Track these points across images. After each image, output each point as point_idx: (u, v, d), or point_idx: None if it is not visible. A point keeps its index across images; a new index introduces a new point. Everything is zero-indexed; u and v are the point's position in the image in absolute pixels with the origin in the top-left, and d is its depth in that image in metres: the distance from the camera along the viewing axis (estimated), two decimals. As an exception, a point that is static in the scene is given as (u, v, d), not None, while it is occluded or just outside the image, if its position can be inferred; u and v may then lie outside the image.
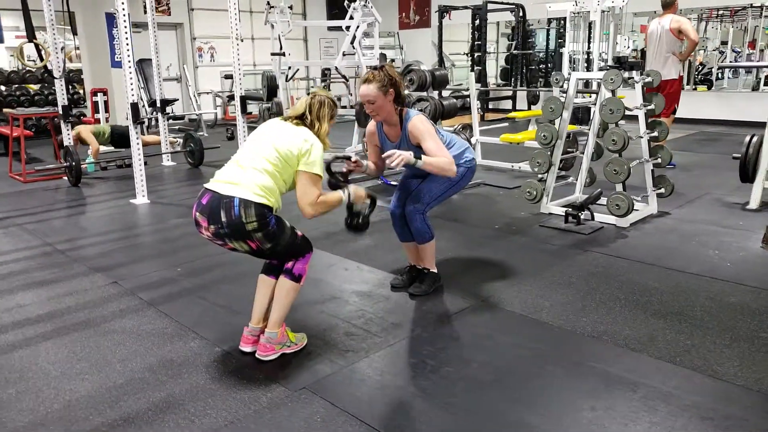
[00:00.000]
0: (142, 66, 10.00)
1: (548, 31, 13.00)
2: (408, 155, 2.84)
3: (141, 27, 10.14)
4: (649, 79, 4.48)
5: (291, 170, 2.50)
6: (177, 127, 10.46)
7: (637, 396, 2.31)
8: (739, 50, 12.75)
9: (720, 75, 12.16)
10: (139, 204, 5.62)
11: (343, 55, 7.46)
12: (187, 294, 3.44)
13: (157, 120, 8.26)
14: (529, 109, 10.94)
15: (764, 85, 11.82)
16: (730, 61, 12.44)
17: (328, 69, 11.90)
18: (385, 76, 2.96)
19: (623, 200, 4.32)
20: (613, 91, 4.36)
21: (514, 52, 12.06)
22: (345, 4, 7.91)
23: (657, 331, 2.83)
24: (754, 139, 4.80)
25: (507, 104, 12.64)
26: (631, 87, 4.54)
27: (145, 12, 7.33)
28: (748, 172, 4.80)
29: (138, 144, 5.57)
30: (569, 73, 5.07)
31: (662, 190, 4.76)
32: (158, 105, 7.71)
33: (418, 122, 3.01)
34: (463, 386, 2.41)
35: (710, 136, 9.26)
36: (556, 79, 4.71)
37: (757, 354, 2.60)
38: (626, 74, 4.42)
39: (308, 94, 2.73)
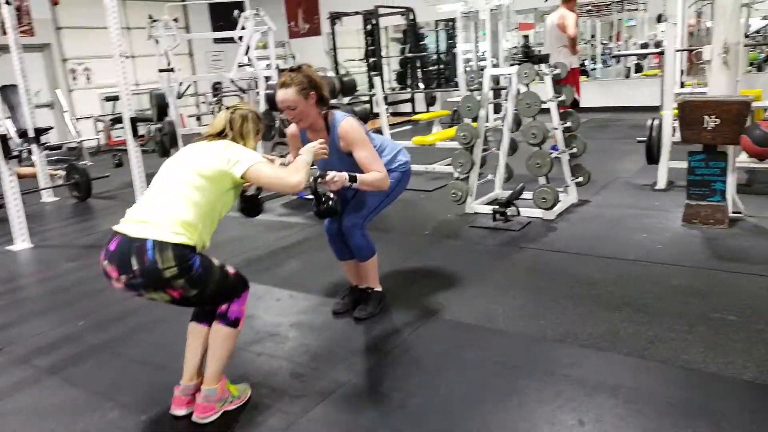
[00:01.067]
0: (6, 93, 8.88)
1: (438, 32, 13.19)
2: (343, 177, 2.57)
3: (1, 50, 9.02)
4: (558, 71, 4.49)
5: (225, 188, 2.13)
6: (55, 158, 9.41)
7: (620, 401, 2.17)
8: (607, 42, 13.66)
9: (593, 65, 12.95)
10: (20, 250, 4.85)
11: (239, 66, 7.00)
12: (96, 353, 2.92)
13: (30, 152, 7.34)
14: (428, 110, 11.00)
15: (635, 72, 12.74)
16: (602, 53, 13.34)
17: (219, 83, 11.29)
18: (304, 77, 2.65)
19: (549, 193, 4.29)
20: (527, 85, 4.32)
21: (409, 55, 12.08)
22: (235, 14, 7.47)
23: (617, 325, 2.74)
24: (656, 122, 4.98)
25: (405, 107, 12.64)
26: (541, 80, 4.53)
27: (5, 33, 6.44)
28: (653, 154, 4.96)
29: (12, 181, 4.82)
30: (467, 70, 4.99)
31: (580, 179, 4.80)
32: (30, 135, 6.81)
33: (350, 127, 2.72)
34: (438, 420, 2.15)
35: (600, 122, 9.72)
36: (471, 78, 4.60)
37: (716, 337, 2.56)
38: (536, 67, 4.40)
39: (227, 108, 2.36)
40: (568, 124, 4.63)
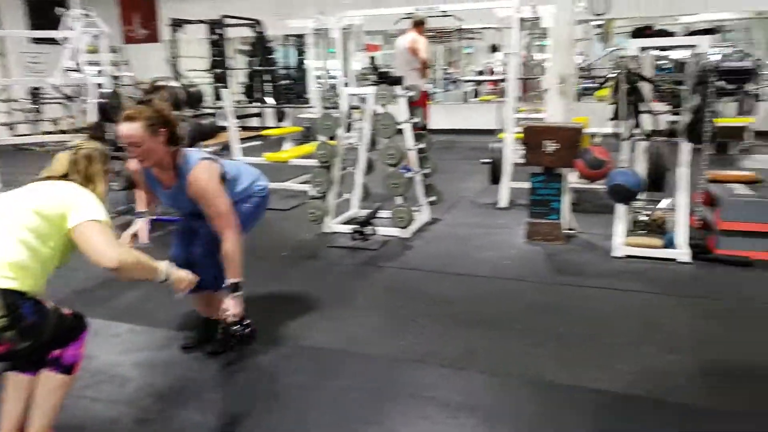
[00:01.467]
0: None
1: (288, 47, 13.11)
2: (236, 306, 2.51)
3: None
4: (412, 93, 4.64)
5: (60, 234, 1.82)
6: None
7: (480, 420, 2.23)
8: (446, 67, 14.67)
9: (434, 89, 13.78)
10: None
11: (64, 71, 6.28)
12: None
13: None
14: (278, 126, 10.83)
15: (473, 97, 13.77)
16: (444, 78, 14.30)
17: (38, 88, 10.09)
18: (154, 112, 2.40)
19: (405, 212, 4.39)
20: (383, 105, 4.40)
21: (257, 68, 11.82)
22: (57, 11, 6.72)
23: (473, 343, 2.84)
24: (498, 145, 5.35)
25: (254, 122, 12.32)
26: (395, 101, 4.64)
27: None
28: (497, 175, 5.32)
29: None
30: (322, 88, 5.00)
31: (433, 198, 4.99)
32: None
33: (202, 179, 2.48)
34: (306, 458, 2.04)
35: (444, 144, 10.26)
36: (329, 95, 4.58)
37: (565, 349, 2.76)
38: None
39: (69, 148, 2.03)
40: (422, 145, 4.79)
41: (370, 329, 3.02)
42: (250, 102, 12.46)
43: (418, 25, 6.50)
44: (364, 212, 4.66)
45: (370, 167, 5.16)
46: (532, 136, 4.07)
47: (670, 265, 3.78)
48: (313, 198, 4.72)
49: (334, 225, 4.70)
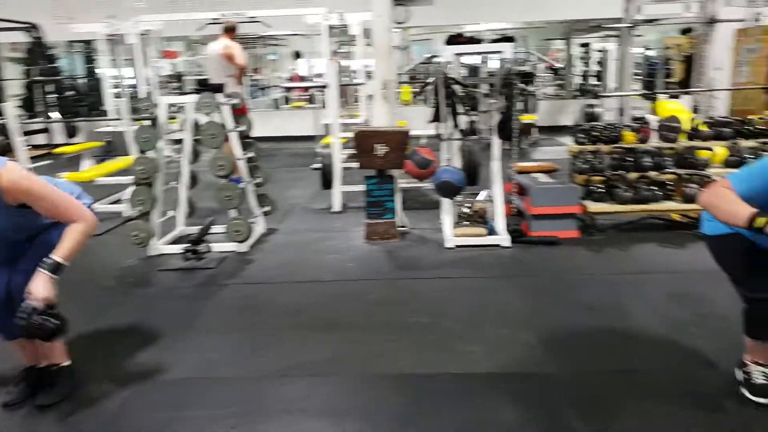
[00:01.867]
0: None
1: (74, 54, 11.83)
2: (46, 288, 2.14)
3: None
4: (236, 101, 4.52)
5: None
6: None
7: (369, 425, 2.27)
8: (251, 74, 14.53)
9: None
10: None
11: None
12: None
13: None
14: (70, 141, 9.72)
15: (285, 104, 13.81)
16: (251, 85, 14.11)
17: None
18: None
19: (243, 225, 4.26)
20: (207, 114, 4.22)
21: (37, 78, 10.47)
22: None
23: (335, 348, 2.88)
24: (327, 151, 5.45)
25: (39, 139, 10.89)
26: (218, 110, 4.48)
27: None
28: (329, 180, 5.42)
29: None
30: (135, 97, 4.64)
31: (267, 208, 4.91)
32: None
33: (16, 176, 2.13)
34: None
35: (263, 152, 10.14)
36: (145, 105, 4.25)
37: (419, 342, 2.92)
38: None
39: None
40: (251, 154, 4.69)
41: (227, 351, 2.90)
42: (31, 117, 11.00)
43: (230, 30, 6.33)
44: (194, 229, 4.42)
45: (194, 181, 4.91)
46: (364, 141, 4.22)
47: (495, 250, 4.21)
48: (134, 219, 4.35)
49: (162, 246, 4.38)
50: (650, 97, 5.81)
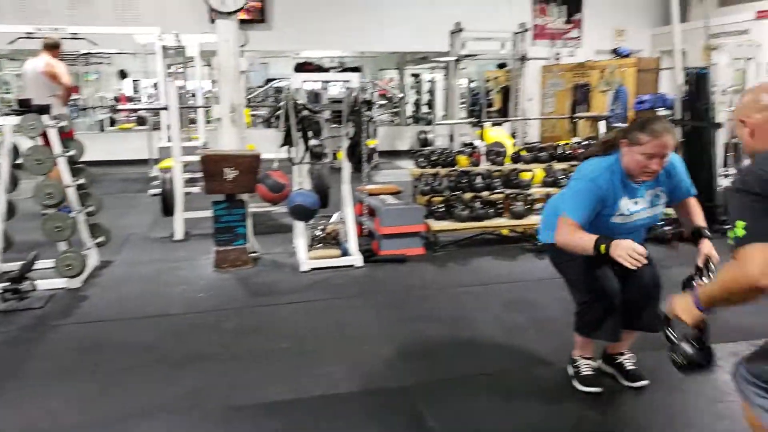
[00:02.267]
0: None
1: None
2: None
3: None
4: (64, 123, 4.15)
5: None
6: None
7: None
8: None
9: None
10: None
11: None
12: None
13: None
14: None
15: (110, 125, 12.87)
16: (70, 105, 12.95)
17: None
18: None
19: (75, 258, 3.90)
20: (32, 138, 3.82)
21: None
22: None
23: (194, 382, 2.76)
24: (168, 176, 5.20)
25: None
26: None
27: None
28: (169, 206, 5.16)
29: None
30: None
31: (101, 239, 4.54)
32: None
33: None
34: None
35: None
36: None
37: (280, 368, 2.91)
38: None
39: None
40: (81, 180, 4.32)
41: (70, 397, 2.63)
42: None
43: (53, 47, 5.80)
44: (14, 265, 3.94)
45: (11, 211, 4.38)
46: (212, 165, 4.12)
47: (349, 270, 4.33)
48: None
49: (-26, 287, 3.84)
50: (477, 124, 6.42)
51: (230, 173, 4.06)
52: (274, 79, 12.61)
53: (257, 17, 10.43)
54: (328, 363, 2.92)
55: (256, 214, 5.27)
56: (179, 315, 3.59)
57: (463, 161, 5.13)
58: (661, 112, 8.94)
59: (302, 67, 10.15)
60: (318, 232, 4.67)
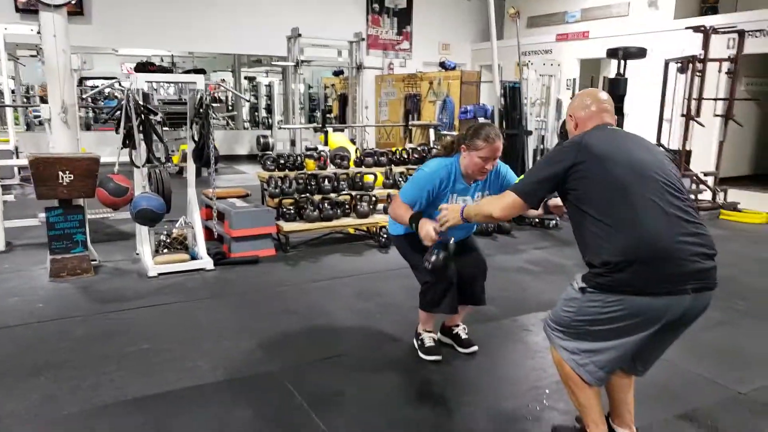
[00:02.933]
0: None
1: None
2: None
3: None
4: None
5: None
6: None
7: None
8: None
9: None
10: None
11: None
12: None
13: None
14: None
15: None
16: None
17: None
18: None
19: None
20: None
21: None
22: None
23: (48, 390, 2.75)
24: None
25: None
26: None
27: None
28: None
29: None
30: None
31: None
32: None
33: None
34: None
35: None
36: None
37: (143, 365, 3.00)
38: None
39: None
40: None
41: None
42: None
43: None
44: None
45: None
46: (44, 168, 3.97)
47: (199, 274, 4.43)
48: None
49: None
50: (321, 129, 6.80)
51: (65, 177, 3.95)
52: (90, 78, 11.89)
53: (75, 9, 9.82)
54: (191, 359, 3.06)
55: (92, 222, 5.11)
56: (19, 326, 3.45)
57: (310, 165, 5.46)
58: (481, 120, 10.10)
59: (145, 67, 9.75)
60: (163, 237, 4.68)
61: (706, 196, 7.58)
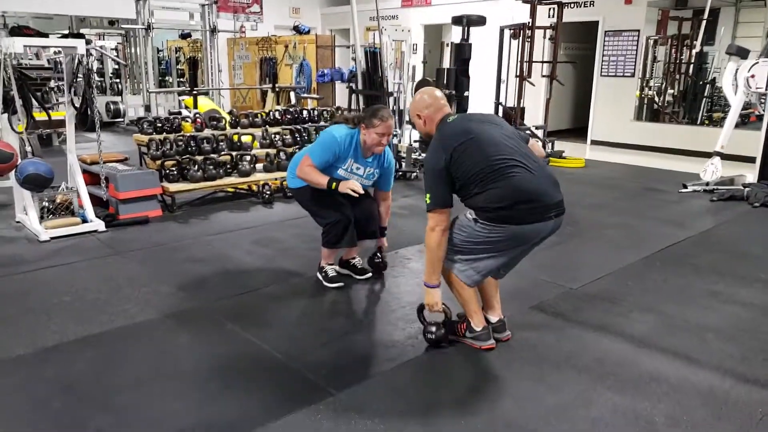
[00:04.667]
0: None
1: None
2: None
3: None
4: None
5: None
6: None
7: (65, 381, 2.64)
8: None
9: None
10: None
11: None
12: None
13: None
14: None
15: None
16: None
17: None
18: None
19: None
20: None
21: None
22: None
23: (-14, 339, 2.95)
24: None
25: None
26: None
27: None
28: None
29: None
30: None
31: None
32: None
33: None
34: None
35: None
36: None
37: (77, 314, 3.27)
38: None
39: None
40: None
41: None
42: None
43: None
44: None
45: None
46: None
47: (93, 235, 4.60)
48: None
49: None
50: (190, 93, 6.95)
51: (-52, 143, 3.91)
52: None
53: None
54: (117, 304, 3.38)
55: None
56: None
57: (187, 127, 5.70)
58: (339, 83, 10.69)
59: (21, 31, 8.89)
60: (46, 203, 4.73)
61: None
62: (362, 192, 3.39)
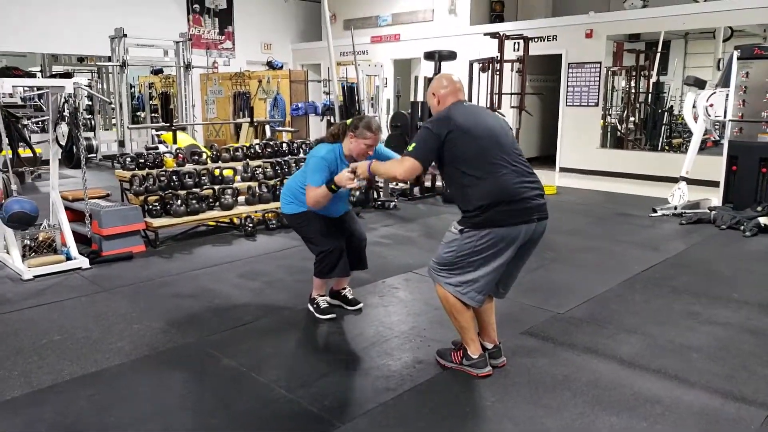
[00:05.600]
0: None
1: None
2: None
3: None
4: None
5: None
6: None
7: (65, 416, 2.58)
8: None
9: None
10: None
11: None
12: None
13: None
14: None
15: None
16: None
17: None
18: None
19: None
20: None
21: None
22: None
23: (-24, 383, 2.86)
24: None
25: None
26: None
27: None
28: None
29: None
30: None
31: None
32: None
33: None
34: None
35: None
36: None
37: (71, 352, 3.20)
38: None
39: None
40: None
41: None
42: None
43: None
44: None
45: None
46: None
47: (77, 273, 4.52)
48: None
49: None
50: (168, 128, 6.92)
51: (-69, 183, 3.82)
52: None
53: None
54: (110, 342, 3.32)
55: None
56: None
57: (169, 162, 5.68)
58: (313, 117, 10.77)
59: (10, 72, 8.77)
60: (27, 242, 4.64)
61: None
62: (359, 180, 3.25)
